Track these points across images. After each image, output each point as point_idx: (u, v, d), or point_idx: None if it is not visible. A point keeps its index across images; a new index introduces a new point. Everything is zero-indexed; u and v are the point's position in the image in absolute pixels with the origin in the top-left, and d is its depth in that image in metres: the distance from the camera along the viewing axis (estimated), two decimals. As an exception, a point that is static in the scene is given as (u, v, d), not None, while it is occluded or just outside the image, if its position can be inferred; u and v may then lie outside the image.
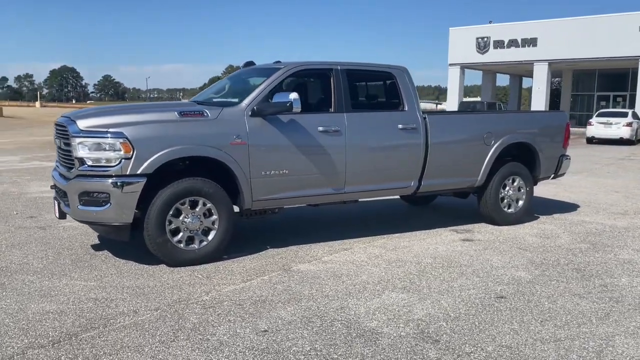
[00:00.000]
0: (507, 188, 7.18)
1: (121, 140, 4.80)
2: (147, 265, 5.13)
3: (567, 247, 6.08)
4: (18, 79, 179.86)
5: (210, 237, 5.24)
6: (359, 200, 6.54)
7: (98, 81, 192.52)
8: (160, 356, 3.33)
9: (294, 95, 5.30)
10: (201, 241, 5.21)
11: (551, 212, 7.99)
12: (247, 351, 3.41)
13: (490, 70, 40.44)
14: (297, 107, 5.32)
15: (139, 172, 4.85)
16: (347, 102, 5.91)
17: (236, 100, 5.59)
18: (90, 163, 4.86)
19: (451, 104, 37.42)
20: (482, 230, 6.86)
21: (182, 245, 5.12)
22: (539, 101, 35.07)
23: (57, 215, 5.41)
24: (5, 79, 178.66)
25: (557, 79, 44.71)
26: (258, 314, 4.00)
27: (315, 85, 6.25)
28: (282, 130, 5.49)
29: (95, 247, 5.78)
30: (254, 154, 5.34)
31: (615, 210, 8.26)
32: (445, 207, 8.42)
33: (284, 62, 6.08)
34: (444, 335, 3.70)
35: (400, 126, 6.18)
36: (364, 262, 5.39)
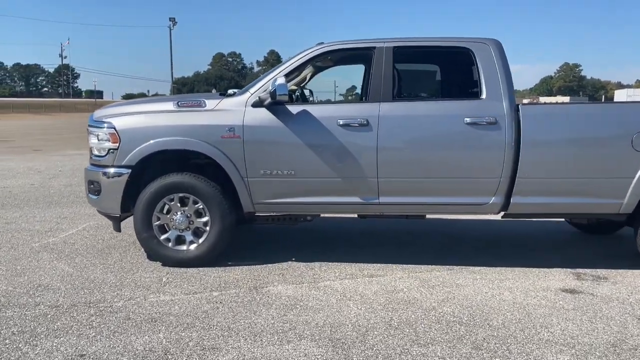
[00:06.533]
0: (689, 220, 4.57)
1: (111, 130, 4.74)
2: (146, 261, 4.96)
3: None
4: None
5: (201, 239, 4.77)
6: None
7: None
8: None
9: (279, 80, 4.39)
10: (191, 242, 4.79)
11: None
12: (19, 373, 2.93)
13: None
14: (281, 95, 4.38)
15: (123, 163, 4.71)
16: (386, 89, 4.61)
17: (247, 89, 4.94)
18: (95, 152, 4.93)
19: None
20: (625, 281, 4.52)
21: (170, 244, 4.79)
22: None
23: None
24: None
25: None
26: (112, 334, 3.42)
27: (349, 70, 5.08)
28: (288, 124, 4.60)
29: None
30: (249, 149, 4.63)
31: None
32: (619, 239, 5.88)
33: (325, 42, 5.11)
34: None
35: (467, 120, 4.52)
36: (356, 296, 4.11)
